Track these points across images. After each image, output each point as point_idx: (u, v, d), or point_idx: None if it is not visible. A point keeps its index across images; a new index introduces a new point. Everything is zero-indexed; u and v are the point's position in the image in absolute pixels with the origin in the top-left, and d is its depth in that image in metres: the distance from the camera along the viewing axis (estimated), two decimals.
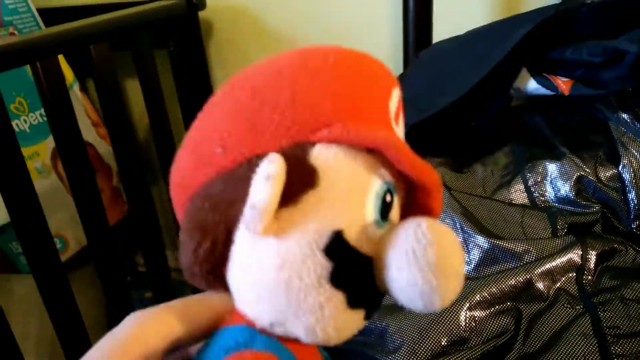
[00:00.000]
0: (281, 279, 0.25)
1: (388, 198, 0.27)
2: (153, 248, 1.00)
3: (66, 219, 0.99)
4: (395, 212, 0.28)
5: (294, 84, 0.26)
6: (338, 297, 0.25)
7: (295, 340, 0.27)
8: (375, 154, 0.27)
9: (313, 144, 0.26)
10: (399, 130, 0.29)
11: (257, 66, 0.28)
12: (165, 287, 1.01)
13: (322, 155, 0.25)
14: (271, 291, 0.25)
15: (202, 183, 0.27)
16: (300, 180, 0.25)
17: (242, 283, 0.26)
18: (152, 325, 0.28)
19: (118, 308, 0.91)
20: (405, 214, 0.29)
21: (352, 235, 0.25)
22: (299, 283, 0.25)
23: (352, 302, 0.26)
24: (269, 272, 0.25)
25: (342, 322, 0.26)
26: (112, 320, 0.98)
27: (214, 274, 0.27)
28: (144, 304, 1.09)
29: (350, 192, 0.26)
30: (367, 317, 0.27)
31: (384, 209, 0.27)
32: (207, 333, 0.28)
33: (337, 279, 0.25)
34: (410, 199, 0.29)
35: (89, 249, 0.88)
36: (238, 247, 0.26)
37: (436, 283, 0.24)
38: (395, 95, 0.29)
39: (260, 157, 0.25)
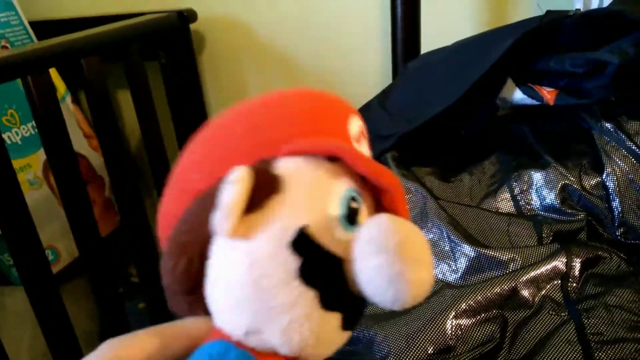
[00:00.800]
0: (251, 278, 0.26)
1: (354, 204, 0.28)
2: (146, 259, 1.00)
3: (58, 230, 0.99)
4: (363, 219, 0.29)
5: (257, 114, 0.30)
6: (309, 295, 0.26)
7: (272, 357, 0.28)
8: (337, 164, 0.29)
9: (276, 158, 0.28)
10: (362, 150, 0.32)
11: (234, 107, 0.32)
12: (159, 298, 1.01)
13: (285, 165, 0.28)
14: (245, 293, 0.26)
15: (182, 210, 0.29)
16: (264, 188, 0.27)
17: (217, 292, 0.28)
18: (127, 350, 0.29)
19: (111, 319, 0.91)
20: None
21: (316, 232, 0.27)
22: (268, 281, 0.26)
23: (326, 303, 0.26)
24: (241, 274, 0.26)
25: (317, 324, 0.26)
26: (105, 331, 0.98)
27: (194, 293, 0.28)
28: (138, 314, 1.09)
29: (313, 193, 0.28)
30: (346, 325, 0.28)
31: (350, 214, 0.28)
32: (183, 358, 0.29)
33: (306, 276, 0.26)
34: (378, 207, 0.30)
35: (81, 260, 0.88)
36: (213, 259, 0.28)
37: (400, 267, 0.24)
38: (355, 122, 0.31)
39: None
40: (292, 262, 0.26)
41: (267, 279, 0.26)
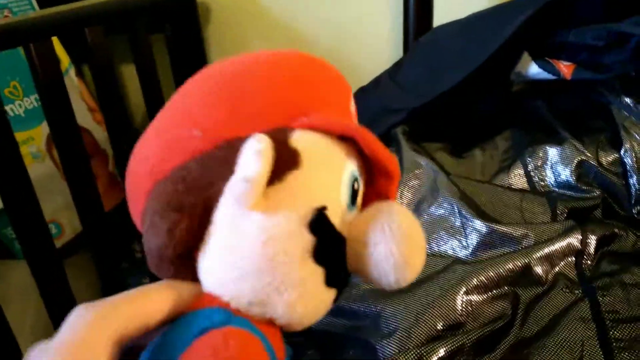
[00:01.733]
0: (267, 254, 0.25)
1: (355, 185, 0.29)
2: None
3: (62, 204, 0.98)
4: (359, 199, 0.30)
5: (271, 76, 0.28)
6: (318, 273, 0.26)
7: (268, 325, 0.27)
8: (344, 143, 0.28)
9: (292, 129, 0.27)
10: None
11: (230, 61, 0.30)
12: None
13: (302, 139, 0.27)
14: (256, 267, 0.25)
15: (172, 168, 0.27)
16: (284, 160, 0.26)
17: (222, 262, 0.26)
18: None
19: (114, 294, 0.90)
20: (364, 200, 0.31)
21: (332, 214, 0.27)
22: (284, 258, 0.25)
23: (329, 280, 0.27)
24: (255, 247, 0.25)
25: (320, 299, 0.27)
26: None
27: (185, 257, 0.27)
28: None
29: (330, 174, 0.27)
30: (336, 299, 0.29)
31: (353, 194, 0.29)
32: (162, 323, 0.28)
33: (318, 255, 0.26)
34: (369, 188, 0.31)
35: (84, 235, 0.87)
36: (219, 226, 0.26)
37: (408, 254, 0.26)
38: (352, 101, 0.32)
39: (241, 139, 0.26)
40: (309, 241, 0.26)
41: (283, 255, 0.25)
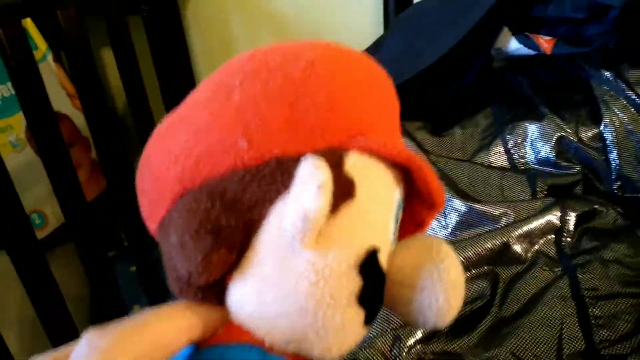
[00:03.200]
0: (314, 295, 0.23)
1: (399, 215, 0.26)
2: (135, 222, 0.98)
3: (44, 194, 0.97)
4: (397, 228, 0.27)
5: (333, 84, 0.24)
6: (360, 316, 0.24)
7: (301, 358, 0.25)
8: (393, 169, 0.26)
9: (347, 151, 0.24)
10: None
11: (286, 55, 0.25)
12: (150, 261, 1.00)
13: (357, 165, 0.24)
14: (299, 307, 0.23)
15: (207, 177, 0.23)
16: (339, 190, 0.23)
17: (260, 296, 0.23)
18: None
19: (101, 283, 0.90)
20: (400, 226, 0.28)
21: (383, 254, 0.25)
22: (330, 300, 0.23)
23: (368, 320, 0.25)
24: (302, 287, 0.23)
25: (356, 340, 0.25)
26: (96, 296, 0.97)
27: (215, 284, 0.24)
28: (129, 277, 1.08)
29: (382, 207, 0.25)
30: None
31: (396, 225, 0.26)
32: (176, 351, 0.24)
33: (364, 299, 0.24)
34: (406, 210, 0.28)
35: (67, 225, 0.86)
36: (261, 256, 0.23)
37: (452, 303, 0.24)
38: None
39: (293, 158, 0.23)
40: (357, 284, 0.23)
41: (329, 297, 0.23)
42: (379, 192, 0.25)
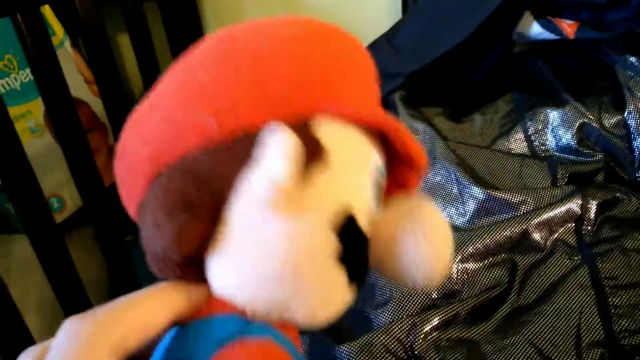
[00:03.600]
0: (291, 261, 0.23)
1: (381, 181, 0.26)
2: None
3: (63, 178, 0.98)
4: (381, 195, 0.27)
5: (297, 54, 0.24)
6: (341, 277, 0.24)
7: (285, 325, 0.25)
8: (369, 134, 0.25)
9: (319, 119, 0.24)
10: None
11: (252, 31, 0.25)
12: None
13: (329, 131, 0.24)
14: (277, 274, 0.23)
15: (179, 157, 0.24)
16: (310, 156, 0.23)
17: (237, 267, 0.24)
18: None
19: (118, 267, 0.91)
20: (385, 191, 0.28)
21: (360, 215, 0.24)
22: (307, 261, 0.23)
23: (352, 280, 0.25)
24: (277, 255, 0.23)
25: (341, 301, 0.25)
26: (113, 279, 0.98)
27: (192, 259, 0.24)
28: (145, 262, 1.09)
29: (358, 171, 0.25)
30: (356, 294, 0.27)
31: (378, 191, 0.26)
32: (162, 331, 0.24)
33: (344, 259, 0.24)
34: (389, 176, 0.28)
35: (85, 209, 0.87)
36: (235, 228, 0.23)
37: (437, 262, 0.24)
38: (376, 80, 0.28)
39: (260, 130, 0.23)
40: (335, 246, 0.23)
41: (307, 258, 0.23)
42: (353, 157, 0.25)
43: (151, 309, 0.23)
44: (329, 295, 0.24)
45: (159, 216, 0.23)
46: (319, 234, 0.23)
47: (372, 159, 0.26)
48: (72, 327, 0.21)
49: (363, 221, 0.25)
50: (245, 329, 0.24)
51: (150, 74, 0.96)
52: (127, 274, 0.92)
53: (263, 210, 0.22)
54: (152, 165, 0.24)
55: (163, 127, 0.24)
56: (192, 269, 0.25)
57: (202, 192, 0.23)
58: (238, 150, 0.23)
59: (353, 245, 0.24)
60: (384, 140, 0.26)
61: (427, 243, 0.24)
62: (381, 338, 0.43)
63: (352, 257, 0.24)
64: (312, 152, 0.23)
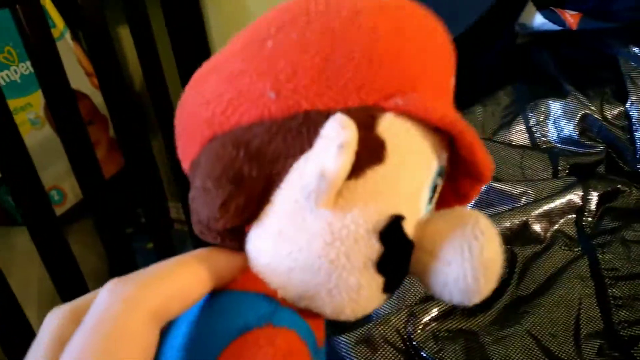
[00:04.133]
0: (328, 255, 0.22)
1: (438, 183, 0.24)
2: (152, 199, 0.99)
3: (63, 170, 0.98)
4: (436, 196, 0.25)
5: (374, 36, 0.22)
6: (378, 282, 0.23)
7: (312, 314, 0.25)
8: (436, 135, 0.24)
9: (382, 111, 0.22)
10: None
11: (326, 1, 0.23)
12: (166, 238, 1.01)
13: (393, 128, 0.22)
14: (312, 265, 0.23)
15: (236, 124, 0.23)
16: (367, 153, 0.22)
17: (276, 249, 0.23)
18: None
19: (118, 260, 0.91)
20: (440, 195, 0.26)
21: (408, 222, 0.23)
22: (345, 262, 0.22)
23: (388, 288, 0.23)
24: (316, 246, 0.22)
25: (371, 305, 0.24)
26: (113, 272, 0.98)
27: (235, 230, 0.24)
28: (146, 254, 1.09)
29: (414, 175, 0.23)
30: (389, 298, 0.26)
31: (433, 193, 0.24)
32: (197, 300, 0.24)
33: (383, 265, 0.23)
34: (449, 181, 0.26)
35: (85, 202, 0.87)
36: (279, 210, 0.23)
37: (483, 283, 0.22)
38: (454, 75, 0.26)
39: (322, 113, 0.22)
40: (376, 250, 0.22)
41: (344, 259, 0.22)
42: (413, 158, 0.23)
43: (192, 278, 0.23)
44: (360, 297, 0.23)
45: (207, 182, 0.23)
46: (361, 235, 0.22)
47: (433, 163, 0.24)
48: (114, 289, 0.21)
49: (410, 228, 0.23)
50: (274, 313, 0.23)
51: (151, 66, 0.96)
52: (127, 267, 0.92)
53: (309, 200, 0.22)
54: (208, 126, 0.24)
55: (222, 90, 0.23)
56: (234, 239, 0.24)
57: (253, 167, 0.22)
58: (294, 130, 0.22)
59: (395, 251, 0.23)
60: (451, 142, 0.25)
61: (473, 263, 0.22)
62: (379, 329, 0.43)
63: (392, 263, 0.23)
64: (371, 149, 0.22)
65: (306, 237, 0.22)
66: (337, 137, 0.20)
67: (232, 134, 0.23)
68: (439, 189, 0.25)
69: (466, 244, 0.22)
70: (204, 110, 0.24)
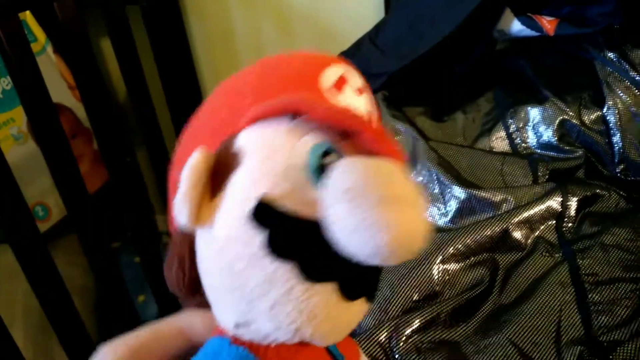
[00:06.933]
0: (223, 264, 0.24)
1: (327, 159, 0.24)
2: (139, 212, 0.98)
3: (48, 186, 0.97)
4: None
5: (223, 94, 0.28)
6: (286, 269, 0.22)
7: (276, 349, 0.25)
8: (303, 120, 0.25)
9: (238, 133, 0.26)
10: (345, 97, 0.27)
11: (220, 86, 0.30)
12: (154, 251, 1.00)
13: (245, 136, 0.25)
14: (220, 282, 0.24)
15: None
16: (226, 167, 0.25)
17: (206, 288, 0.26)
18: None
19: (105, 274, 0.90)
20: None
21: (279, 197, 0.23)
22: (239, 263, 0.23)
23: (309, 274, 0.23)
24: (212, 262, 0.24)
25: (305, 300, 0.23)
26: (100, 287, 0.97)
27: (199, 293, 0.27)
28: (133, 268, 1.08)
29: (272, 157, 0.24)
30: (350, 294, 0.24)
31: (321, 170, 0.24)
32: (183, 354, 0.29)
33: (277, 248, 0.23)
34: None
35: (69, 217, 0.86)
36: (198, 253, 0.26)
37: (376, 209, 0.20)
38: (333, 71, 0.27)
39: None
40: (258, 236, 0.23)
41: (238, 261, 0.23)
42: (269, 146, 0.25)
43: (169, 338, 0.29)
44: (280, 296, 0.23)
45: (168, 259, 0.27)
46: (238, 230, 0.23)
47: (299, 142, 0.24)
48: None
49: (292, 204, 0.23)
50: (218, 353, 0.25)
51: (134, 79, 0.95)
52: (113, 281, 0.91)
53: (180, 224, 0.24)
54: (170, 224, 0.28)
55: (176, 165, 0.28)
56: (207, 302, 0.27)
57: (177, 232, 0.26)
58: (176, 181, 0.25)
59: (286, 230, 0.23)
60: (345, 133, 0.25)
61: (336, 190, 0.21)
62: (363, 345, 0.43)
63: (295, 245, 0.23)
64: (231, 161, 0.25)
65: (205, 259, 0.25)
66: (186, 167, 0.24)
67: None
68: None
69: (330, 185, 0.22)
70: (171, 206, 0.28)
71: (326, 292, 0.23)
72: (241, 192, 0.24)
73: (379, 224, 0.20)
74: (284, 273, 0.23)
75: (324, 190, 0.22)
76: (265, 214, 0.23)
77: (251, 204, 0.23)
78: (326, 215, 0.22)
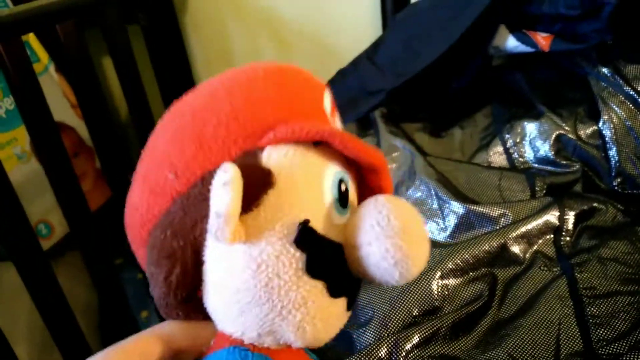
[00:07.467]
0: (260, 282, 0.25)
1: (343, 187, 0.27)
2: None
3: (50, 204, 0.98)
4: (353, 200, 0.28)
5: (231, 99, 0.27)
6: (318, 288, 0.25)
7: (287, 350, 0.27)
8: (322, 147, 0.27)
9: (262, 148, 0.26)
10: (337, 124, 0.30)
11: (193, 93, 0.29)
12: None
13: (273, 156, 0.26)
14: (253, 298, 0.25)
15: (158, 214, 0.27)
16: (257, 184, 0.25)
17: (221, 300, 0.26)
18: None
19: (108, 291, 0.91)
20: (360, 200, 0.29)
21: (318, 224, 0.26)
22: (279, 281, 0.25)
23: (333, 291, 0.26)
24: (247, 279, 0.25)
25: (327, 313, 0.26)
26: (103, 304, 0.98)
27: (190, 300, 0.27)
28: (136, 284, 1.09)
29: (307, 184, 0.26)
30: (349, 306, 0.28)
31: (342, 197, 0.27)
32: None
33: (313, 269, 0.25)
34: (362, 186, 0.30)
35: (72, 235, 0.87)
36: (210, 265, 0.26)
37: (406, 247, 0.24)
38: (328, 96, 0.30)
39: (212, 172, 0.25)
40: (299, 258, 0.25)
41: (277, 279, 0.25)
42: (300, 172, 0.26)
43: (149, 347, 0.28)
44: (309, 309, 0.25)
45: (151, 268, 0.27)
46: (280, 250, 0.25)
47: (325, 169, 0.27)
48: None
49: (323, 228, 0.26)
50: (245, 358, 0.26)
51: (135, 97, 0.97)
52: (117, 298, 0.92)
53: (217, 240, 0.24)
54: (143, 227, 0.28)
55: (142, 191, 0.27)
56: (195, 309, 0.27)
57: (179, 239, 0.26)
58: (198, 195, 0.25)
59: (319, 253, 0.25)
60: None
61: (387, 230, 0.24)
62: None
63: (325, 267, 0.26)
64: (260, 179, 0.25)
65: (236, 275, 0.25)
66: (221, 180, 0.24)
67: (159, 223, 0.27)
68: (353, 194, 0.29)
69: (374, 220, 0.25)
70: (136, 216, 0.28)
71: (342, 306, 0.27)
72: (283, 216, 0.25)
73: (412, 264, 0.25)
74: (317, 291, 0.25)
75: (360, 221, 0.26)
76: (307, 238, 0.25)
77: (295, 228, 0.25)
78: (369, 249, 0.25)
